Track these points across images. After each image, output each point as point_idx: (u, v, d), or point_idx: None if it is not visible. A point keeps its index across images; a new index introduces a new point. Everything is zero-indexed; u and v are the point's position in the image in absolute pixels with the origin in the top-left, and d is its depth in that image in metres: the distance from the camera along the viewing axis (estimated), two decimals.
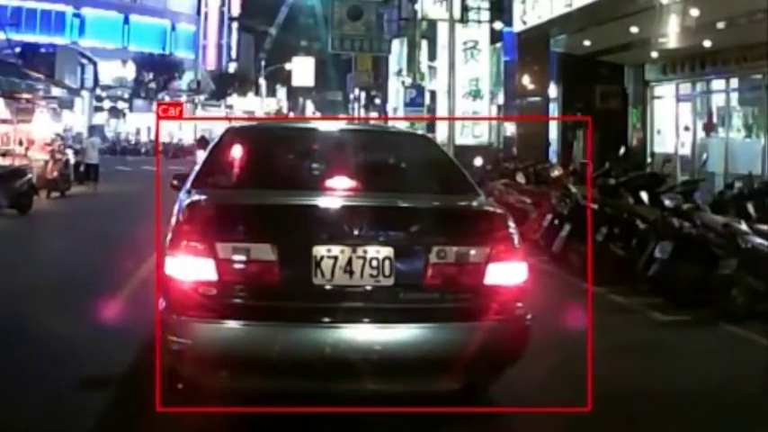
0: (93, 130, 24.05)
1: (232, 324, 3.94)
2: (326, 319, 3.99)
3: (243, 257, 3.95)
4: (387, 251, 4.02)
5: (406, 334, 4.03)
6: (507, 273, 4.16)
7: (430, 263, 4.06)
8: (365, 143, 5.53)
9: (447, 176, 4.95)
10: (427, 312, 4.06)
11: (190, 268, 3.93)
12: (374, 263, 3.99)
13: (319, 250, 3.97)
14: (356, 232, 4.05)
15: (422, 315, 4.05)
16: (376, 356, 3.98)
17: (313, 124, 6.78)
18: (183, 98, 64.81)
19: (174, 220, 4.20)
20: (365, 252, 4.00)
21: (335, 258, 3.97)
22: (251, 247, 3.96)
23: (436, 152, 5.54)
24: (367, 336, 4.01)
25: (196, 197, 4.36)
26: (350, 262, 3.98)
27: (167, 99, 62.22)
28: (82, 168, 22.21)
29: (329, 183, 4.66)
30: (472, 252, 4.12)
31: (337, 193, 4.51)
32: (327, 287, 3.98)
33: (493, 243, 4.15)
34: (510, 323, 4.17)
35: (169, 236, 4.09)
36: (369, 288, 4.01)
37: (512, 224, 4.32)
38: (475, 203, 4.62)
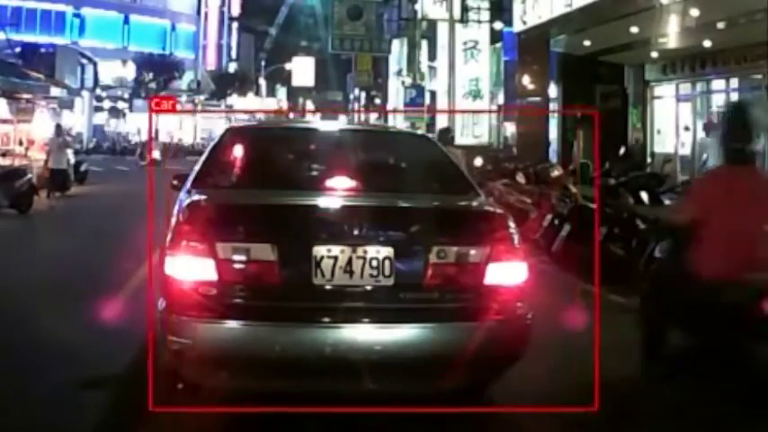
0: (60, 128, 19.55)
1: (232, 324, 3.94)
2: (326, 320, 3.98)
3: (243, 257, 3.94)
4: (387, 251, 4.01)
5: (406, 334, 4.03)
6: (507, 273, 4.16)
7: (430, 263, 4.06)
8: (365, 143, 5.53)
9: (447, 176, 4.96)
10: (427, 312, 4.06)
11: (190, 268, 3.93)
12: (374, 263, 3.99)
13: (319, 250, 3.97)
14: (356, 232, 4.05)
15: (422, 315, 4.05)
16: (376, 356, 3.97)
17: (313, 125, 6.77)
18: (183, 98, 64.88)
19: (174, 219, 4.20)
20: (365, 252, 3.99)
21: (335, 258, 3.97)
22: (251, 247, 3.95)
23: (436, 152, 5.53)
24: (367, 336, 4.00)
25: (196, 197, 4.36)
26: (350, 262, 3.97)
27: None
28: (37, 177, 17.59)
29: (329, 183, 4.66)
30: (472, 252, 4.12)
31: (337, 193, 4.51)
32: (327, 287, 3.98)
33: (493, 243, 4.15)
34: (510, 323, 4.17)
35: (169, 236, 4.08)
36: (369, 288, 4.01)
37: (512, 224, 4.32)
38: (475, 203, 4.62)
